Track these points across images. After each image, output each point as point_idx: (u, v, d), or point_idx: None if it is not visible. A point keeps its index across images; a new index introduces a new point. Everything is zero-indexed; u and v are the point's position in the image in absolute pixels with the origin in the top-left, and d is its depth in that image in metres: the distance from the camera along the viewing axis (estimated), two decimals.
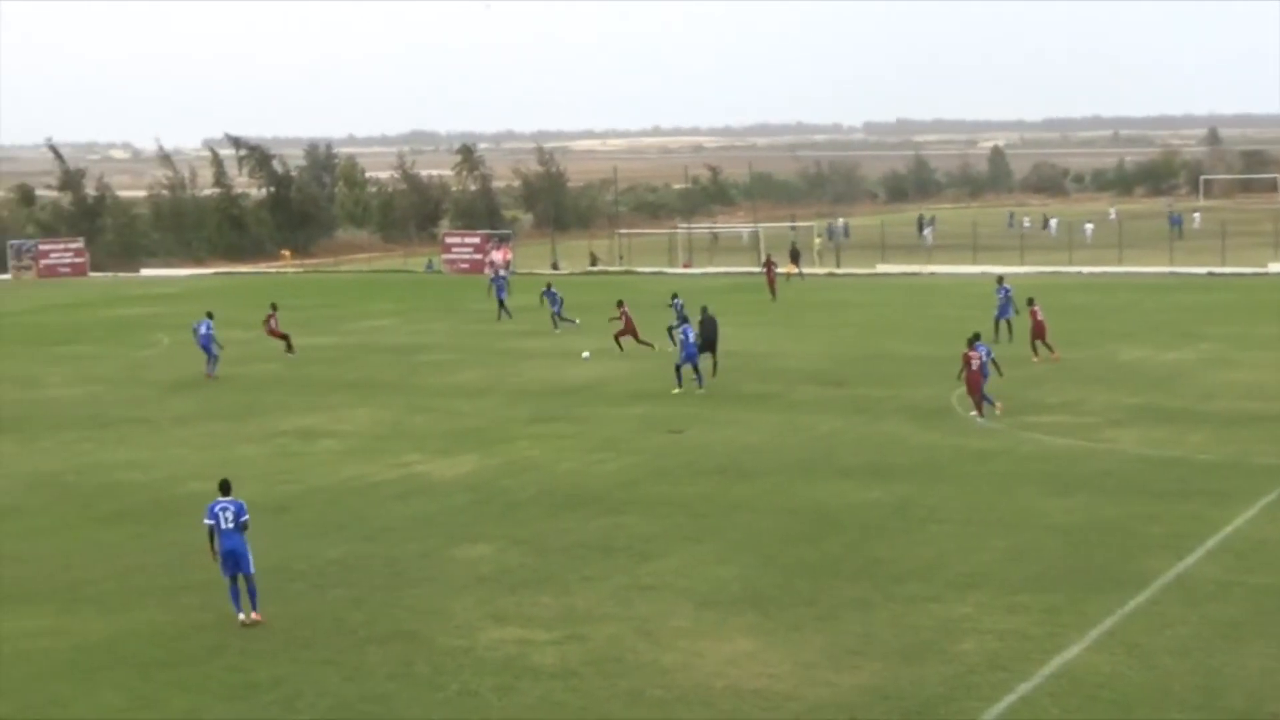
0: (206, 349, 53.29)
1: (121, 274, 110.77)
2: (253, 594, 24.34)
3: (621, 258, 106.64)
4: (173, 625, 24.21)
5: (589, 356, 55.04)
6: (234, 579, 24.28)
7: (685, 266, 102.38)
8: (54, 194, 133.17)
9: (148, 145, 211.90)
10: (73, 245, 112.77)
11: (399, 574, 27.04)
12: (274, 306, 59.94)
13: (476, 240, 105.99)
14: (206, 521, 24.34)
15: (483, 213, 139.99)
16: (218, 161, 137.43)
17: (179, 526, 30.83)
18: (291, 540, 29.67)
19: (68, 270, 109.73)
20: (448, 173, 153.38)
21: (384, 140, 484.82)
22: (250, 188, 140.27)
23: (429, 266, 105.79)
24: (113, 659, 22.79)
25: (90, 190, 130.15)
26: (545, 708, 20.41)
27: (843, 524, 29.83)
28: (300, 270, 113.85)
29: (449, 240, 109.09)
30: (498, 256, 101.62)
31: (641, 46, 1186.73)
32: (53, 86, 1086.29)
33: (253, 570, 24.23)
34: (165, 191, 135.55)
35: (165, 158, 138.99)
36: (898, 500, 31.75)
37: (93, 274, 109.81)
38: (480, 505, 32.43)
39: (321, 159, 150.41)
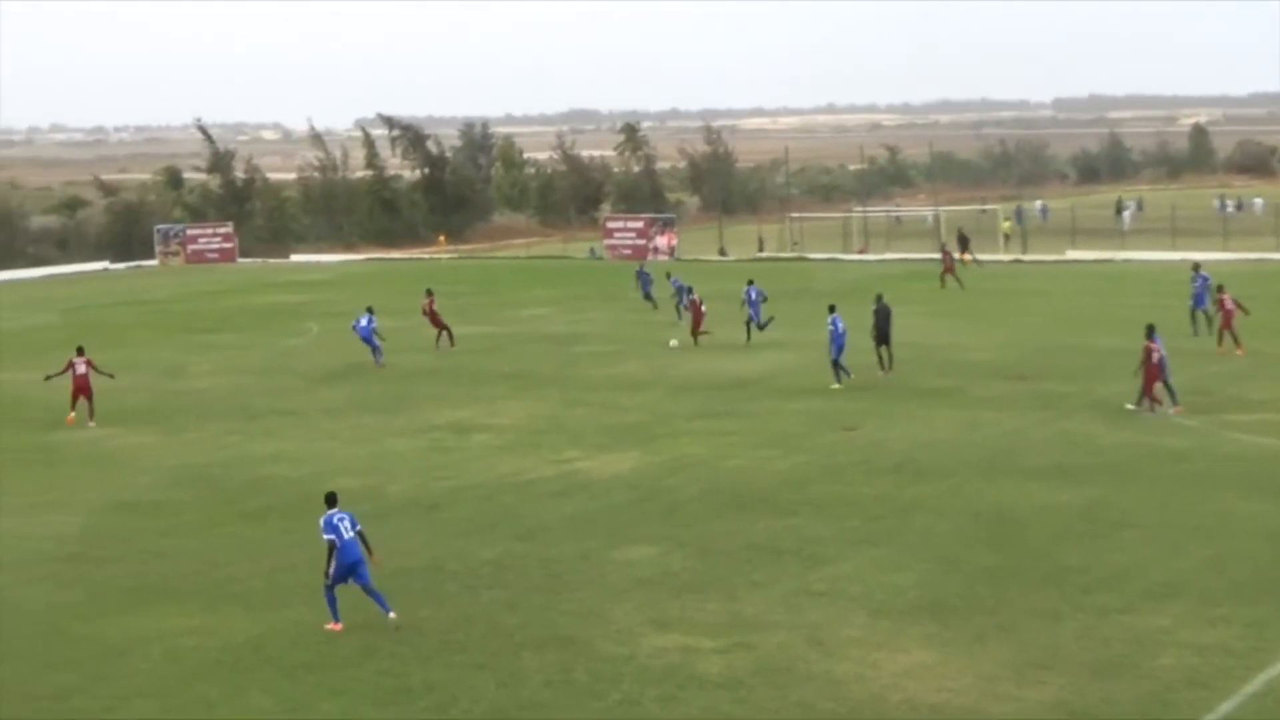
0: (369, 341, 54.35)
1: (271, 259, 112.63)
2: (380, 598, 24.54)
3: (796, 243, 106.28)
4: (321, 626, 24.56)
5: (676, 345, 56.55)
6: (333, 589, 24.47)
7: (860, 252, 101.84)
8: (202, 176, 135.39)
9: (298, 125, 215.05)
10: (221, 230, 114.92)
11: (556, 576, 27.21)
12: (430, 292, 60.61)
13: (639, 225, 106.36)
14: (327, 536, 24.44)
15: (646, 195, 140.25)
16: (370, 142, 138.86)
17: None
18: (444, 539, 30.00)
19: (215, 256, 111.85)
20: (609, 153, 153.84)
21: (543, 119, 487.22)
22: (403, 170, 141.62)
23: (592, 253, 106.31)
24: (260, 660, 23.22)
25: (239, 173, 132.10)
26: None
27: (1027, 528, 29.51)
28: (455, 256, 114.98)
29: (610, 225, 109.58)
30: (661, 242, 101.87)
31: (814, 19, 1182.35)
32: (203, 65, 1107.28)
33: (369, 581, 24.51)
34: (316, 174, 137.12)
35: (316, 138, 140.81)
36: (1086, 503, 31.33)
37: (241, 260, 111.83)
38: (642, 504, 32.53)
39: (478, 139, 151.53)
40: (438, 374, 52.41)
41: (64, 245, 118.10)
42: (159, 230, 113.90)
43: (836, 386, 46.39)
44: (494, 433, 41.33)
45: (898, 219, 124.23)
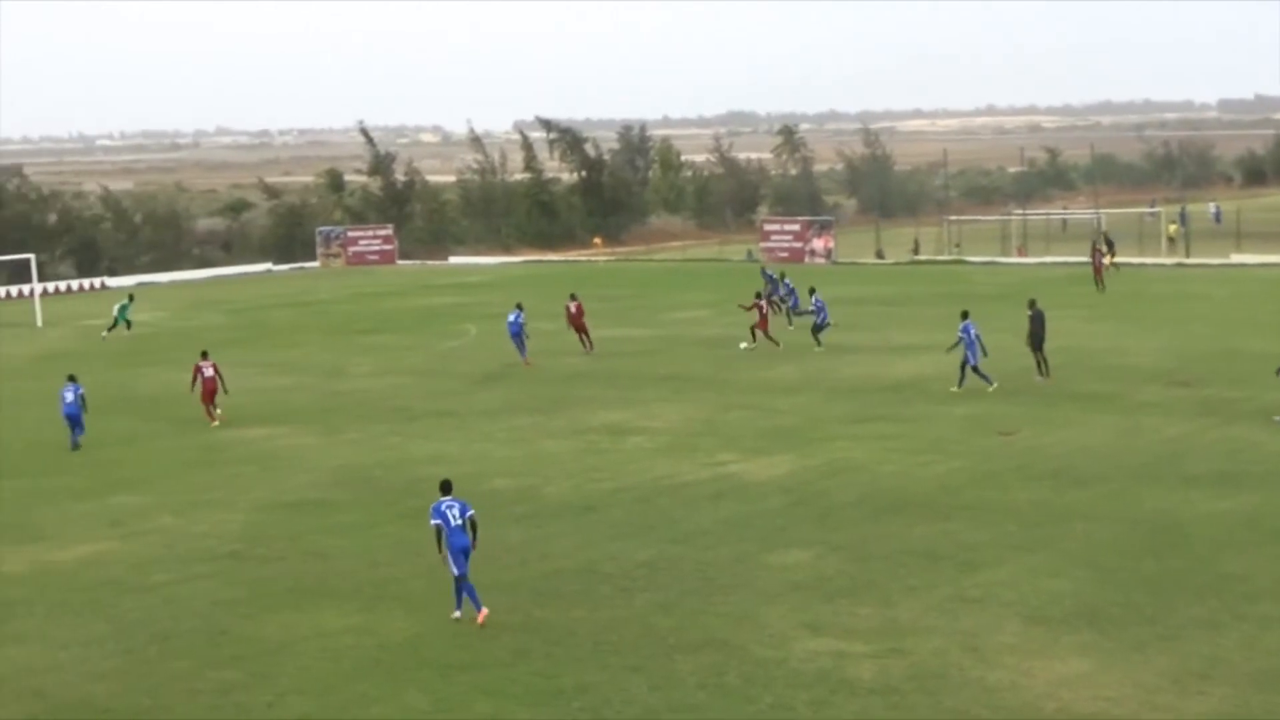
0: (517, 338, 55.09)
1: (430, 262, 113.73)
2: (472, 592, 25.27)
3: (959, 245, 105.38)
4: (477, 626, 24.80)
5: (747, 348, 57.10)
6: (464, 576, 25.21)
7: (1019, 255, 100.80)
8: (363, 179, 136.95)
9: (458, 128, 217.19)
10: (381, 232, 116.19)
11: (710, 579, 27.25)
12: (574, 296, 60.96)
13: (796, 227, 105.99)
14: (434, 522, 25.36)
15: (803, 198, 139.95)
16: (528, 145, 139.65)
17: (485, 523, 31.50)
18: (599, 541, 30.16)
19: (376, 258, 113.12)
20: (766, 155, 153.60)
21: (700, 121, 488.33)
22: (561, 172, 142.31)
23: (749, 256, 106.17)
24: (416, 659, 23.48)
25: (399, 175, 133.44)
26: None
27: (1189, 536, 29.07)
28: (611, 259, 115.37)
29: (767, 227, 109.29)
30: (819, 245, 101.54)
31: (974, 20, 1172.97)
32: (365, 69, 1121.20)
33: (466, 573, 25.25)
34: (474, 176, 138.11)
35: (475, 141, 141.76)
36: (1251, 511, 30.81)
37: (401, 262, 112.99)
38: (796, 508, 32.48)
39: (635, 141, 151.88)
40: (593, 376, 52.66)
41: (228, 247, 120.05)
42: (320, 232, 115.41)
43: (991, 388, 46.21)
44: (649, 435, 41.46)
45: (1064, 222, 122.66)
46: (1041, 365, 47.89)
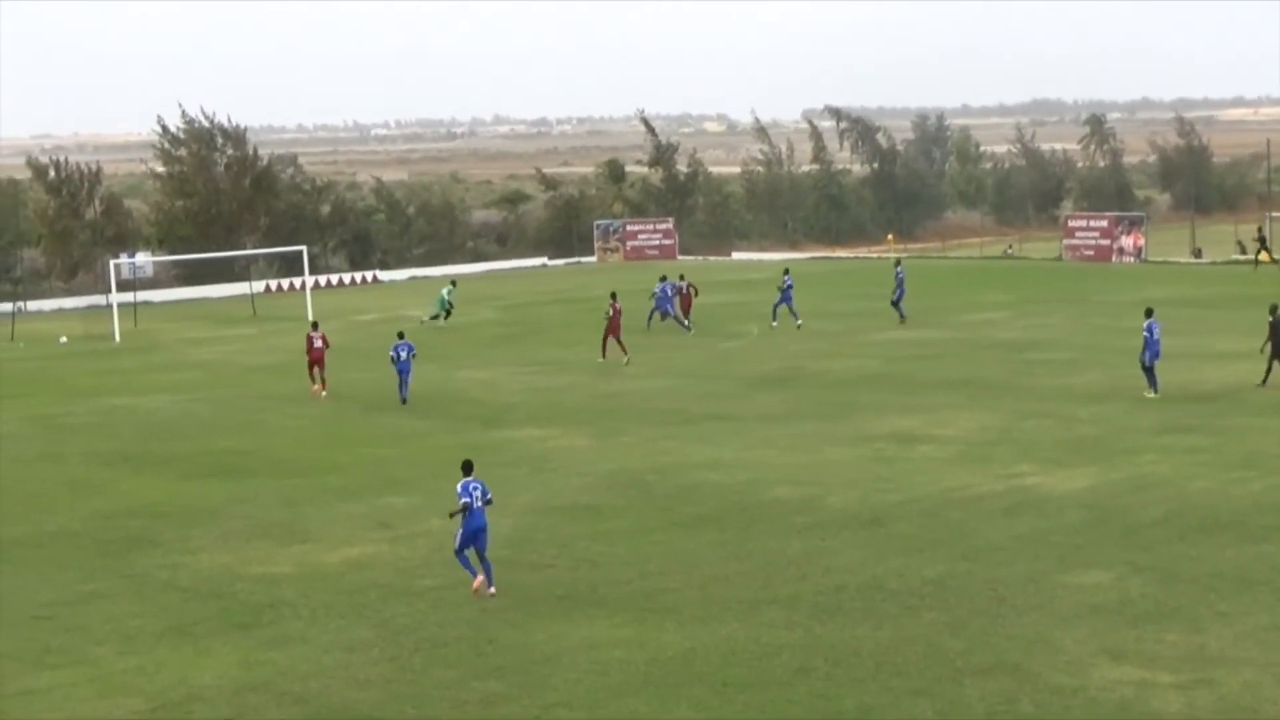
0: (660, 307, 62.29)
1: (711, 257, 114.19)
2: (489, 570, 27.86)
3: None
4: (754, 642, 24.86)
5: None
6: (463, 552, 28.22)
7: None
8: (644, 170, 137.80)
9: (743, 117, 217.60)
10: (662, 225, 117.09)
11: (1002, 599, 26.94)
12: (614, 296, 61.28)
13: (1104, 224, 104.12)
14: (463, 499, 27.93)
15: (1111, 192, 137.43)
16: (817, 135, 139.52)
17: (763, 534, 31.70)
18: (885, 555, 30.01)
19: (655, 252, 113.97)
20: (1072, 146, 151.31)
21: (1001, 110, 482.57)
22: (851, 164, 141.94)
23: (1008, 251, 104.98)
24: (689, 675, 23.61)
25: (682, 166, 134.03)
26: None
27: None
28: (904, 255, 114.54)
29: (1071, 223, 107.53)
30: (1128, 242, 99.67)
31: None
32: (647, 56, 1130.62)
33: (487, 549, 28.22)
34: (760, 168, 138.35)
35: (760, 131, 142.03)
36: None
37: (681, 257, 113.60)
38: (1097, 525, 31.94)
39: (931, 131, 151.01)
40: (881, 380, 52.38)
41: (503, 240, 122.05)
42: (599, 225, 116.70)
43: (1151, 395, 46.39)
44: (940, 444, 41.14)
45: None
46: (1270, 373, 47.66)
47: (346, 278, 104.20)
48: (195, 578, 30.45)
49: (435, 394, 52.21)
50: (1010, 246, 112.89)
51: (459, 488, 28.06)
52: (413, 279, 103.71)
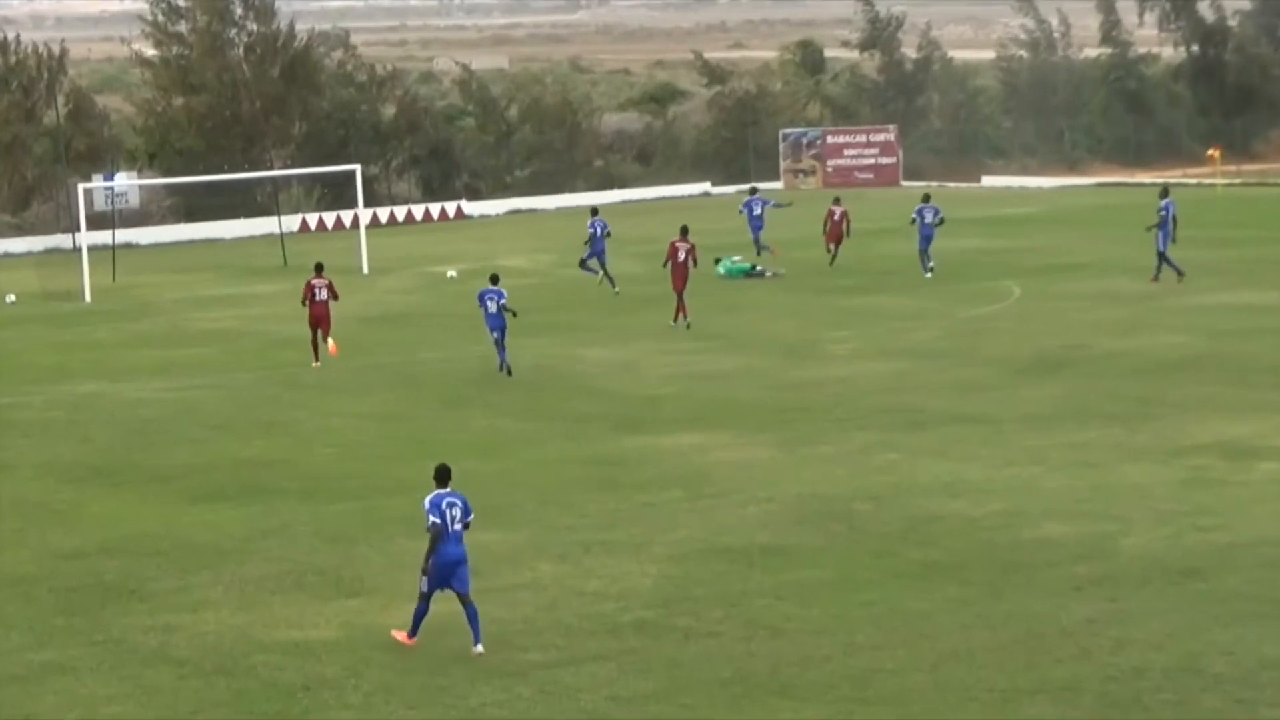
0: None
1: (950, 184, 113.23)
2: (475, 620, 27.59)
3: None
4: None
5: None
6: (430, 598, 28.33)
7: None
8: (853, 55, 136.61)
9: None
10: (879, 137, 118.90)
11: None
12: (684, 231, 61.44)
13: None
14: (433, 519, 28.30)
15: None
16: (1107, 4, 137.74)
17: (1026, 591, 31.43)
18: (1205, 624, 29.66)
19: (870, 176, 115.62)
20: None
21: None
22: (1160, 46, 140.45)
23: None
24: None
25: (909, 51, 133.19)
26: None
27: None
28: (1232, 183, 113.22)
29: None
30: None
31: None
32: None
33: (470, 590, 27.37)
34: (1023, 52, 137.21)
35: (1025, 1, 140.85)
36: None
37: (906, 183, 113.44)
38: None
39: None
40: (1202, 366, 51.85)
41: (646, 158, 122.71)
42: (786, 136, 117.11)
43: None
44: None
45: None
46: None
47: (419, 211, 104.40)
48: (197, 646, 30.55)
49: (549, 381, 52.33)
50: None
51: (427, 503, 28.51)
52: (514, 213, 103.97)
